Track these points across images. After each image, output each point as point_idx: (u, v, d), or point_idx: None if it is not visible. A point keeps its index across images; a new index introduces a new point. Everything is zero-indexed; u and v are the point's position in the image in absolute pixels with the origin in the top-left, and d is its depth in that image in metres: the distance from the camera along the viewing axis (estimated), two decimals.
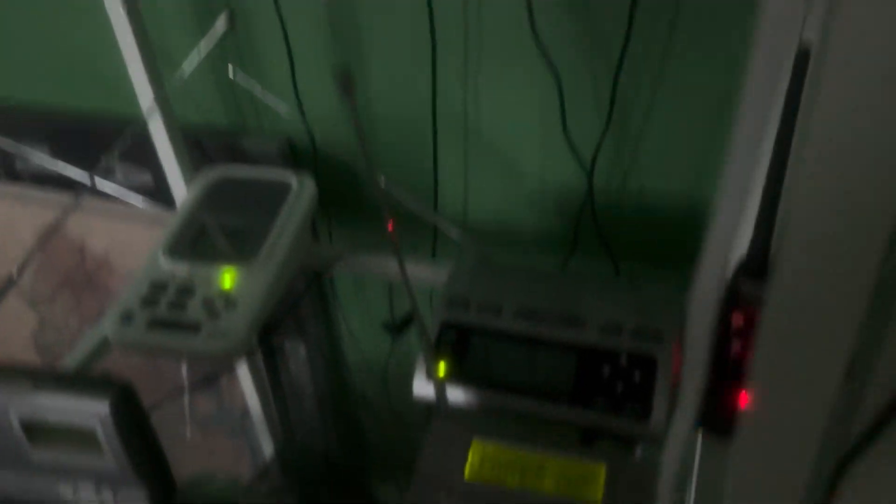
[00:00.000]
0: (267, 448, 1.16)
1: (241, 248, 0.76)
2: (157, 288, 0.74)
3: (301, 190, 0.80)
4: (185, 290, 0.74)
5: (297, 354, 1.11)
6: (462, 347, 0.64)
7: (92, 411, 0.53)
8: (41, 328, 1.27)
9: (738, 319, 0.59)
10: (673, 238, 0.76)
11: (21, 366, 0.57)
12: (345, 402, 1.14)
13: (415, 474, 0.57)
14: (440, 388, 0.58)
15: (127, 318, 0.72)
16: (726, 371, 0.61)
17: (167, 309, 0.72)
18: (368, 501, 0.96)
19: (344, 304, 1.01)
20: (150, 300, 0.73)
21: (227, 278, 0.74)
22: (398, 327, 0.75)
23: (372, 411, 1.11)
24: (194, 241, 0.78)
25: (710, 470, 0.60)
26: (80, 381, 0.56)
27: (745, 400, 0.61)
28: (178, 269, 0.75)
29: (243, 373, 1.08)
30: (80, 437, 0.55)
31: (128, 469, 0.56)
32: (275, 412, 1.14)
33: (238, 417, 1.22)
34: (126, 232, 1.07)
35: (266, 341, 1.11)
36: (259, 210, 0.80)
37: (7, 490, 0.60)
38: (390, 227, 0.48)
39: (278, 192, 0.81)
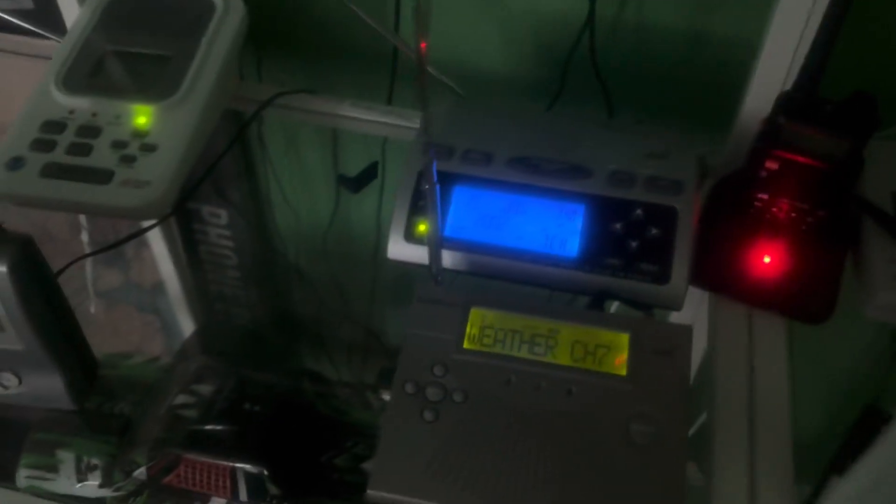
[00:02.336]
0: (185, 325, 1.04)
1: (156, 82, 0.62)
2: (52, 128, 0.59)
3: (227, 11, 0.65)
4: (89, 131, 0.59)
5: (217, 220, 0.97)
6: (445, 202, 0.54)
7: None
8: None
9: (771, 164, 0.51)
10: (674, 82, 0.66)
11: None
12: (274, 275, 1.02)
13: (403, 346, 0.47)
14: (435, 245, 0.48)
15: (15, 164, 0.57)
16: (745, 224, 0.54)
17: (67, 153, 0.58)
18: (300, 379, 0.86)
19: (274, 161, 0.88)
20: (43, 143, 0.58)
21: (142, 117, 0.60)
22: (358, 180, 0.63)
23: (308, 285, 1.00)
24: (94, 72, 0.63)
25: (727, 336, 0.54)
26: None
27: (768, 258, 0.55)
28: (78, 105, 0.60)
29: (155, 241, 0.94)
30: None
31: (35, 346, 0.43)
32: (192, 286, 1.02)
33: (149, 291, 1.08)
34: (5, 71, 0.87)
35: (179, 204, 0.96)
36: (175, 35, 0.64)
37: None
38: (423, 46, 0.35)
39: (198, 14, 0.65)
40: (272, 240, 0.98)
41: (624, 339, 0.46)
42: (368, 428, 0.78)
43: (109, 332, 1.13)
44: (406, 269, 0.93)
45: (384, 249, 0.95)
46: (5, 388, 0.47)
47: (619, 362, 0.45)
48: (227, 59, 0.64)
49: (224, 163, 0.90)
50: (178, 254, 0.96)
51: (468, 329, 0.47)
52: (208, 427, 0.72)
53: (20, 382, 0.46)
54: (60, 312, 0.45)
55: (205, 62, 0.63)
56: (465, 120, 0.58)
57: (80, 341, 0.48)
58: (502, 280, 0.53)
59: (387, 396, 0.83)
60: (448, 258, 0.53)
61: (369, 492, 0.43)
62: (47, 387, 0.46)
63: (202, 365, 0.80)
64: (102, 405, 0.78)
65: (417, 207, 0.54)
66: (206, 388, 0.76)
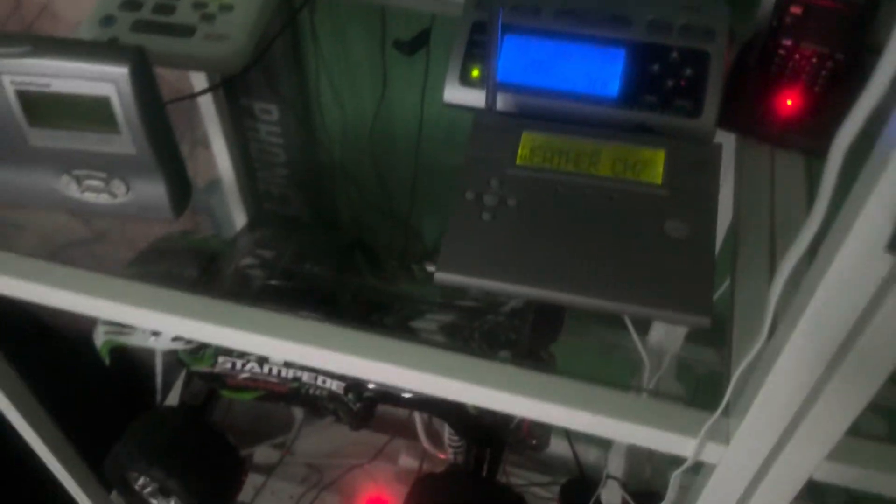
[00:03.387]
0: (237, 222, 1.11)
1: None
2: None
3: None
4: None
5: (268, 116, 1.04)
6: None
7: (107, 75, 0.46)
8: None
9: (795, 10, 0.56)
10: None
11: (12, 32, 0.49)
12: (320, 174, 1.09)
13: (463, 163, 0.53)
14: (492, 82, 0.54)
15: (107, 21, 0.63)
16: (770, 70, 0.59)
17: (153, 12, 0.64)
18: (352, 248, 0.92)
19: (324, 52, 0.93)
20: (131, 3, 0.65)
21: None
22: (412, 44, 0.69)
23: (352, 183, 1.06)
24: None
25: (750, 175, 0.59)
26: (88, 45, 0.48)
27: (791, 104, 0.60)
28: None
29: (215, 137, 1.00)
30: (91, 112, 0.48)
31: (146, 151, 0.50)
32: (245, 183, 1.08)
33: (201, 190, 1.15)
34: None
35: (232, 100, 1.03)
36: None
37: None
38: None
39: None
40: (319, 137, 1.04)
41: (660, 154, 0.52)
42: (413, 294, 0.84)
43: (161, 228, 1.20)
44: (444, 171, 0.98)
45: (425, 148, 1.00)
46: (114, 196, 0.53)
47: (656, 173, 0.51)
48: None
49: (275, 55, 0.96)
50: (234, 150, 1.03)
51: (520, 150, 0.53)
52: (274, 282, 0.79)
53: (128, 191, 0.53)
54: (165, 124, 0.52)
55: None
56: None
57: (179, 157, 0.54)
58: (549, 120, 0.59)
59: (431, 268, 0.90)
60: (500, 101, 0.59)
61: (437, 274, 0.49)
62: (152, 196, 0.53)
63: (264, 234, 0.87)
64: (171, 269, 0.85)
65: (471, 55, 0.60)
66: (269, 253, 0.83)
